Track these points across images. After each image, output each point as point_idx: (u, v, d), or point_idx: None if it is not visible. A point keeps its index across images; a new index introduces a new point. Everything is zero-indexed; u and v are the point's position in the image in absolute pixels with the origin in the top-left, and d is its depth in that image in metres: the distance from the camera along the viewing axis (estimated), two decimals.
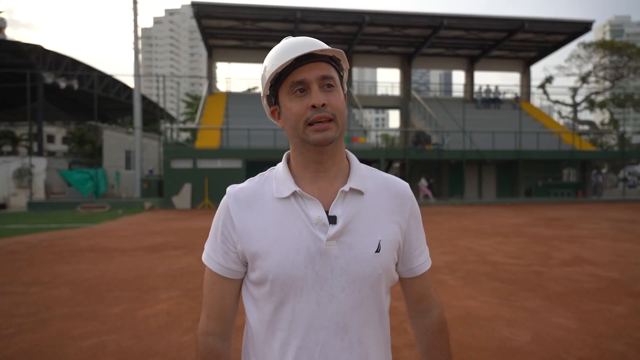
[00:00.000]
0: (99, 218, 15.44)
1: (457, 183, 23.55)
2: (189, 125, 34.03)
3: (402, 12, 25.88)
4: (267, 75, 0.99)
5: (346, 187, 0.99)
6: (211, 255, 1.04)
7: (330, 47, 0.99)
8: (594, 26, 32.67)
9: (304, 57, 0.95)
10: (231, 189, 1.05)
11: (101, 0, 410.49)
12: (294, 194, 0.99)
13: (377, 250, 0.99)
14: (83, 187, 22.57)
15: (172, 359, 3.36)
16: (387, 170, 24.86)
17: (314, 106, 0.94)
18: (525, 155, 22.63)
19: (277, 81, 0.99)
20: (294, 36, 1.03)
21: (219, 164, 19.99)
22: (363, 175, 1.05)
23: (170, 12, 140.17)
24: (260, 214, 1.00)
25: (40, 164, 22.39)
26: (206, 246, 1.06)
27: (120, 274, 6.30)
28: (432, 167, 24.56)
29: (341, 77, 1.03)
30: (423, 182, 22.24)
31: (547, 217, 14.26)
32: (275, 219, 0.98)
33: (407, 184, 1.11)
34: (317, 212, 0.97)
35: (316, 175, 1.01)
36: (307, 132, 0.96)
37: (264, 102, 1.06)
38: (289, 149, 1.07)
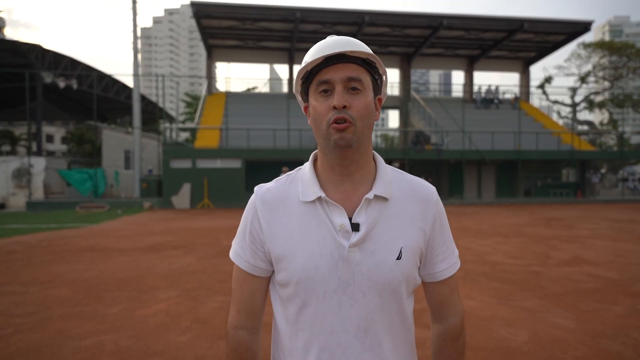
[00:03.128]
0: (98, 218, 15.43)
1: (456, 183, 23.56)
2: (189, 125, 34.02)
3: (401, 12, 25.88)
4: (300, 72, 1.00)
5: (370, 195, 0.99)
6: (239, 254, 1.06)
7: (365, 50, 0.98)
8: (594, 26, 32.72)
9: (334, 56, 0.95)
10: (259, 189, 1.07)
11: (100, 0, 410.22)
12: (319, 199, 1.00)
13: (399, 258, 0.99)
14: (82, 187, 22.56)
15: (170, 359, 3.36)
16: None
17: (335, 107, 0.94)
18: (525, 155, 22.65)
19: (307, 79, 1.00)
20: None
21: (218, 163, 19.99)
22: (389, 180, 1.04)
23: (169, 12, 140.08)
24: (285, 216, 1.01)
25: (39, 164, 22.38)
26: (234, 244, 1.09)
27: (119, 273, 6.30)
28: (431, 167, 24.57)
29: (376, 80, 1.02)
30: None
31: (546, 217, 14.27)
32: (300, 222, 1.00)
33: (433, 188, 1.09)
34: (340, 219, 0.98)
35: (341, 178, 1.01)
36: (329, 132, 0.96)
37: (298, 98, 1.08)
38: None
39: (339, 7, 26.43)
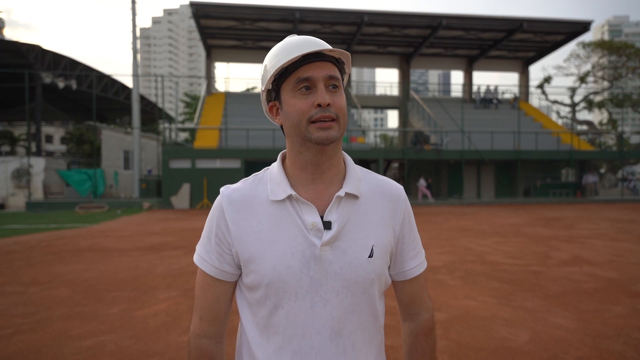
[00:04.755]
0: (98, 218, 15.42)
1: (455, 183, 23.57)
2: (188, 125, 34.02)
3: (401, 12, 25.88)
4: (272, 69, 0.98)
5: (342, 192, 0.99)
6: (204, 258, 1.02)
7: (337, 49, 0.98)
8: (593, 26, 32.74)
9: (311, 55, 0.95)
10: (225, 189, 1.03)
11: (100, 1, 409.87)
12: (289, 197, 0.98)
13: (370, 255, 0.99)
14: (81, 187, 22.55)
15: (170, 359, 3.36)
16: (385, 171, 24.88)
17: (319, 105, 0.94)
18: (524, 155, 22.66)
19: (280, 76, 0.98)
20: (294, 35, 1.02)
21: (217, 164, 19.98)
22: (358, 178, 1.04)
23: (168, 12, 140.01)
24: (254, 216, 0.99)
25: (38, 164, 22.36)
26: (198, 248, 1.05)
27: (119, 274, 6.29)
28: (431, 167, 24.57)
29: (343, 79, 1.03)
30: (422, 182, 22.26)
31: (545, 217, 14.27)
32: (270, 222, 0.98)
33: (401, 187, 1.10)
34: (312, 217, 0.97)
35: (312, 177, 1.00)
36: (310, 129, 0.95)
37: (263, 96, 1.05)
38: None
39: (338, 7, 26.44)
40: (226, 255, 1.00)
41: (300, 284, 0.95)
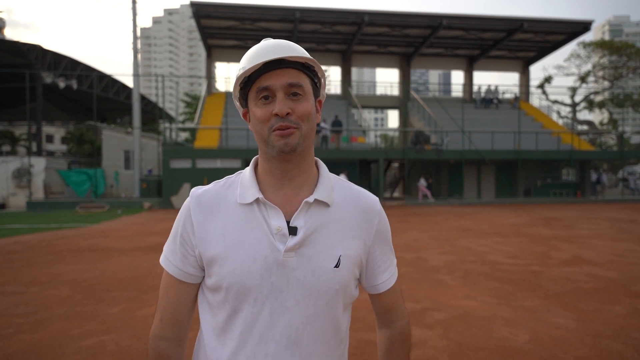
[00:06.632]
0: (98, 218, 15.43)
1: (456, 183, 23.56)
2: (188, 125, 34.02)
3: (401, 12, 25.87)
4: (238, 79, 0.97)
5: (311, 198, 0.97)
6: (169, 258, 1.01)
7: (304, 55, 0.96)
8: (593, 26, 32.73)
9: (273, 62, 0.93)
10: (195, 191, 1.02)
11: (100, 1, 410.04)
12: (257, 200, 0.97)
13: (337, 266, 0.96)
14: (79, 188, 22.60)
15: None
16: (386, 170, 24.88)
17: (277, 114, 0.92)
18: (524, 155, 22.65)
19: (246, 84, 0.97)
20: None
21: (218, 163, 20.00)
22: (331, 186, 1.02)
23: (169, 12, 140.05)
24: (220, 218, 0.97)
25: (39, 164, 22.38)
26: (165, 248, 1.04)
27: (119, 273, 6.30)
28: (431, 167, 24.56)
29: (315, 84, 1.00)
30: (422, 182, 22.26)
31: (546, 217, 14.27)
32: (235, 225, 0.96)
33: (376, 199, 1.08)
34: (278, 221, 0.95)
35: (281, 182, 0.99)
36: (271, 137, 0.94)
37: (237, 103, 1.04)
38: None
39: (339, 7, 26.42)
40: (190, 256, 0.99)
41: (260, 289, 0.93)
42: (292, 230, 0.95)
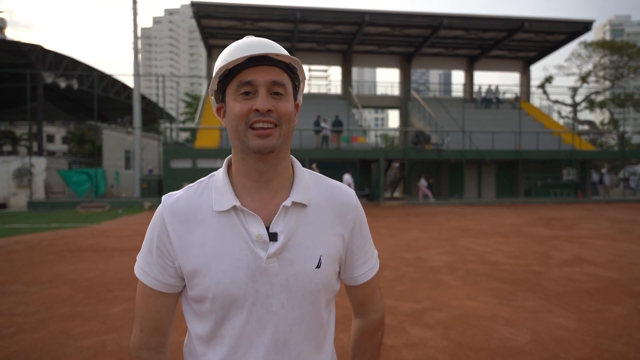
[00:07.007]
0: (99, 218, 15.44)
1: (456, 183, 23.54)
2: (189, 125, 34.05)
3: (402, 12, 25.88)
4: (219, 71, 0.94)
5: (288, 202, 0.96)
6: (146, 270, 0.99)
7: (287, 54, 0.94)
8: (594, 26, 32.69)
9: (256, 58, 0.91)
10: (167, 198, 0.99)
11: (101, 1, 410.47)
12: (234, 208, 0.95)
13: (318, 266, 0.97)
14: (79, 188, 22.62)
15: (171, 359, 3.36)
16: (386, 170, 24.87)
17: (257, 110, 0.90)
18: (525, 155, 22.64)
19: (226, 78, 0.94)
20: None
21: (218, 163, 19.97)
22: (307, 185, 1.01)
23: (169, 12, 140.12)
24: (198, 228, 0.95)
25: (40, 164, 22.39)
26: (139, 259, 1.01)
27: (120, 273, 6.30)
28: (431, 167, 24.55)
29: (296, 86, 0.99)
30: (422, 182, 22.25)
31: (546, 217, 14.26)
32: (215, 234, 0.94)
33: (352, 192, 1.07)
34: (257, 229, 0.94)
35: (257, 185, 0.97)
36: (248, 135, 0.92)
37: (211, 98, 1.02)
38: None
39: (339, 7, 26.42)
40: (169, 267, 0.97)
41: (246, 297, 0.93)
42: (272, 236, 0.94)
